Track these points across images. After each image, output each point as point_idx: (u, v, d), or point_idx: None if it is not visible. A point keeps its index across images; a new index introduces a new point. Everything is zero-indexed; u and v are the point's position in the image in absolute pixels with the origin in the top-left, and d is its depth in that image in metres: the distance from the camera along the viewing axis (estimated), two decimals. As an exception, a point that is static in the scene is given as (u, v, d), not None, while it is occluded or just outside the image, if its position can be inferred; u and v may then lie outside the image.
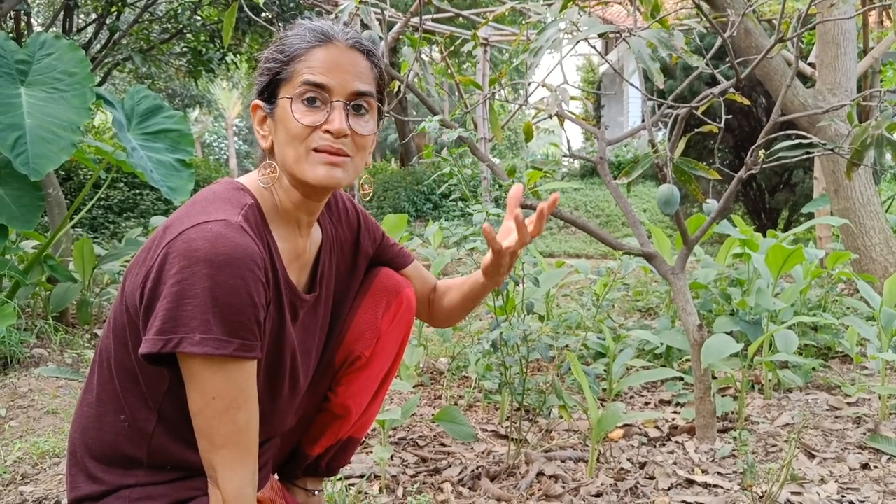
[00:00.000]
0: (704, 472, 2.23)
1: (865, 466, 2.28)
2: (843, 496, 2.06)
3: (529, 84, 2.76)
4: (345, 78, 1.23)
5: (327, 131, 1.22)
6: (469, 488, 2.14)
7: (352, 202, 1.57)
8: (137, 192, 11.11)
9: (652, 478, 2.20)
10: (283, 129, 1.24)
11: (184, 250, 1.10)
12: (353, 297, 1.58)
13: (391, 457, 2.35)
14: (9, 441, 2.50)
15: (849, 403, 2.88)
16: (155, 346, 1.09)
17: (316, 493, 1.73)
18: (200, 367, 1.12)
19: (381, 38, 2.49)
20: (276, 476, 1.68)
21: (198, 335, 1.08)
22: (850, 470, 2.25)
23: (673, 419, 2.72)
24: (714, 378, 2.91)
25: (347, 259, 1.54)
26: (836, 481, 2.15)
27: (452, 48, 4.12)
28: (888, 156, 2.26)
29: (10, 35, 6.15)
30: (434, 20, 10.40)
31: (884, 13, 6.78)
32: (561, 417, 2.70)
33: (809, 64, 5.65)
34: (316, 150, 1.22)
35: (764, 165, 2.25)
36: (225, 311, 1.10)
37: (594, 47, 2.28)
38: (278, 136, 1.25)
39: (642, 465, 2.30)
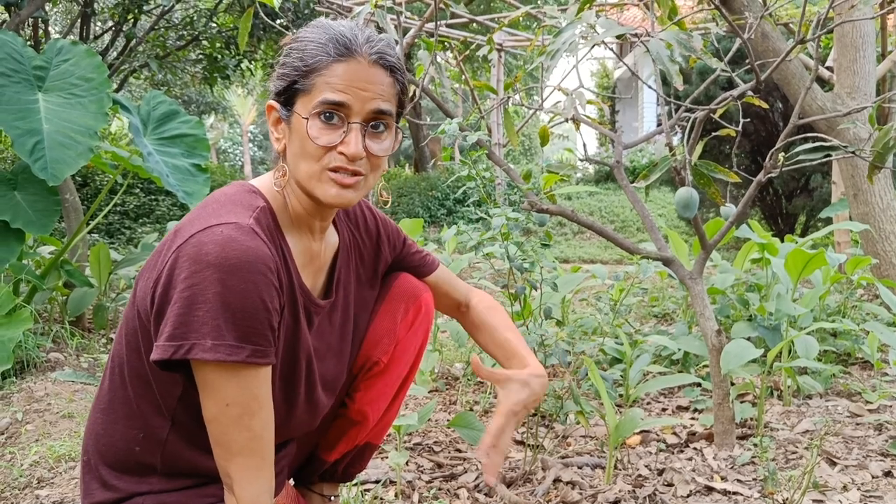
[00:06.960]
0: (724, 478, 2.20)
1: (888, 474, 2.24)
2: (865, 504, 2.03)
3: (545, 88, 2.74)
4: (364, 96, 1.19)
5: (342, 153, 1.19)
6: (485, 494, 2.12)
7: (370, 208, 1.54)
8: (153, 197, 11.17)
9: (670, 484, 2.18)
10: (297, 142, 1.20)
11: (194, 254, 1.08)
12: (373, 305, 1.56)
13: (407, 462, 2.33)
14: (25, 445, 2.50)
15: (870, 410, 2.84)
16: (166, 352, 1.07)
17: (332, 498, 1.72)
18: (213, 373, 1.10)
19: (396, 41, 2.48)
20: (291, 481, 1.67)
21: (209, 341, 1.06)
22: (873, 477, 2.21)
23: (691, 425, 2.69)
24: (732, 384, 2.88)
25: (367, 266, 1.52)
26: (858, 489, 2.12)
27: (467, 52, 4.11)
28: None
29: (29, 42, 6.20)
30: (448, 26, 10.43)
31: (902, 16, 6.71)
32: (578, 423, 2.68)
33: (827, 68, 5.59)
34: (329, 169, 1.19)
35: (783, 169, 2.22)
36: (237, 317, 1.08)
37: (611, 49, 2.26)
38: (292, 146, 1.22)
39: (660, 472, 2.28)
